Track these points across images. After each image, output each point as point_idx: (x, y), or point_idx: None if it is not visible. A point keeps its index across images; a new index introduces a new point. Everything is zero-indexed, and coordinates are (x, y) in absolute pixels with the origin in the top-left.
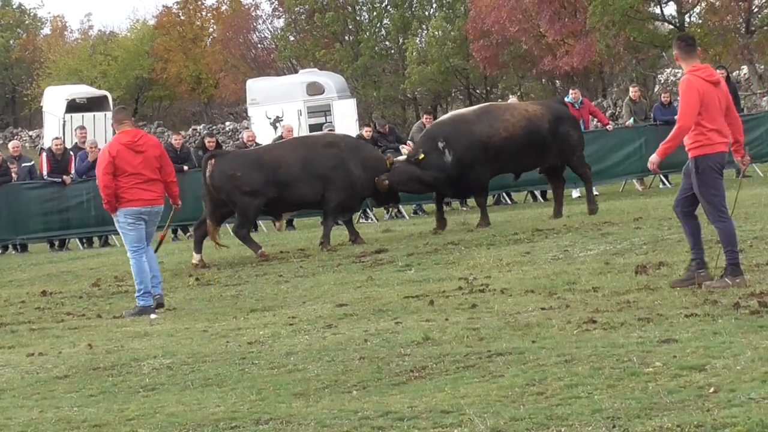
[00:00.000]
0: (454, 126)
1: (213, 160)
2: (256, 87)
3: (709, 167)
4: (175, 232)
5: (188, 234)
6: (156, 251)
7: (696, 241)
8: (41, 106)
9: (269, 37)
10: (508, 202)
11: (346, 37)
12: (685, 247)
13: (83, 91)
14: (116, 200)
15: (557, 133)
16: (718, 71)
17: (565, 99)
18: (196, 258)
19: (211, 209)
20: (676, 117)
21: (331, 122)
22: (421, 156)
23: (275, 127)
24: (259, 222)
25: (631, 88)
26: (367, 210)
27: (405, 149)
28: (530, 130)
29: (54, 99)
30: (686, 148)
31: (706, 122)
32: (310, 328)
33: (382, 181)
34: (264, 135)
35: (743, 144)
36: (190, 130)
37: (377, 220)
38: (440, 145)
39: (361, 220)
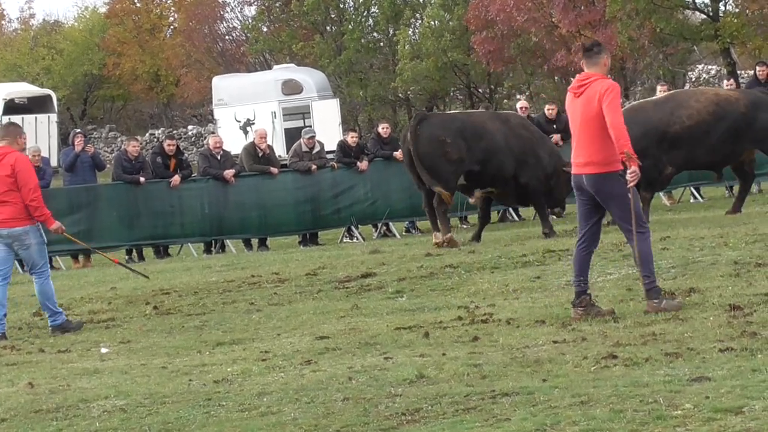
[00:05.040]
0: (630, 114)
1: (420, 126)
2: (224, 85)
3: None
4: (129, 252)
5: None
6: (143, 275)
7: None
8: None
9: (239, 27)
10: (515, 218)
11: (328, 28)
12: (720, 272)
13: (23, 89)
14: None
15: (756, 121)
16: (758, 67)
17: None
18: (437, 237)
19: (428, 176)
20: None
21: (310, 126)
22: None
23: (246, 132)
24: (227, 242)
25: (659, 87)
26: (352, 228)
27: None
28: (719, 116)
29: None
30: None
31: None
32: (286, 364)
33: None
34: (232, 140)
35: None
36: (147, 134)
37: (363, 239)
38: None
39: (345, 240)
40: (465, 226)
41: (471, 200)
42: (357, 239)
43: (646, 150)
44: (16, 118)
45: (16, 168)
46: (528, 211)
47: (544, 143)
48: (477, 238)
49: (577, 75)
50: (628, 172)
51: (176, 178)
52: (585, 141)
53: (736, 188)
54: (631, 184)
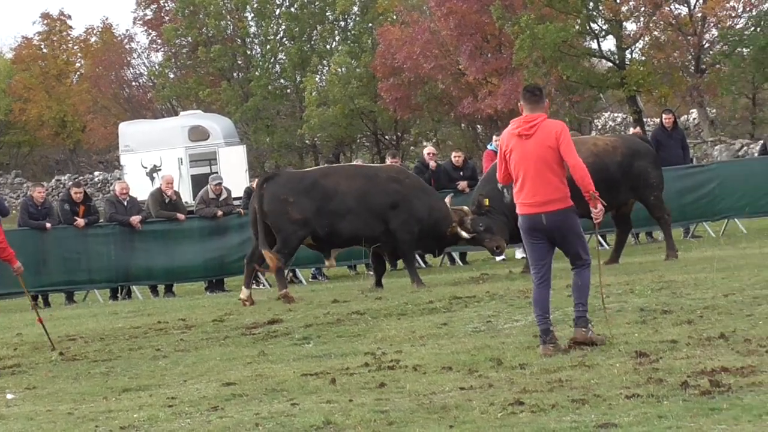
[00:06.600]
0: None
1: (266, 184)
2: (130, 131)
3: None
4: (35, 299)
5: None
6: (53, 346)
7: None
8: None
9: (145, 73)
10: (422, 265)
11: (235, 75)
12: (626, 319)
13: None
14: None
15: (632, 168)
16: (664, 115)
17: (488, 147)
18: (244, 293)
19: (263, 237)
20: None
21: (216, 172)
22: (486, 201)
23: (152, 178)
24: (134, 288)
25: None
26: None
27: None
28: (598, 167)
29: None
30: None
31: None
32: (193, 410)
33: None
34: (139, 186)
35: None
36: (54, 180)
37: (269, 285)
38: (499, 185)
39: (252, 286)
40: (371, 273)
41: (326, 263)
42: (263, 286)
43: None
44: None
45: None
46: (433, 258)
47: (422, 195)
48: (378, 284)
49: (520, 117)
50: (594, 211)
51: (80, 221)
52: (541, 180)
53: (642, 236)
54: (598, 221)
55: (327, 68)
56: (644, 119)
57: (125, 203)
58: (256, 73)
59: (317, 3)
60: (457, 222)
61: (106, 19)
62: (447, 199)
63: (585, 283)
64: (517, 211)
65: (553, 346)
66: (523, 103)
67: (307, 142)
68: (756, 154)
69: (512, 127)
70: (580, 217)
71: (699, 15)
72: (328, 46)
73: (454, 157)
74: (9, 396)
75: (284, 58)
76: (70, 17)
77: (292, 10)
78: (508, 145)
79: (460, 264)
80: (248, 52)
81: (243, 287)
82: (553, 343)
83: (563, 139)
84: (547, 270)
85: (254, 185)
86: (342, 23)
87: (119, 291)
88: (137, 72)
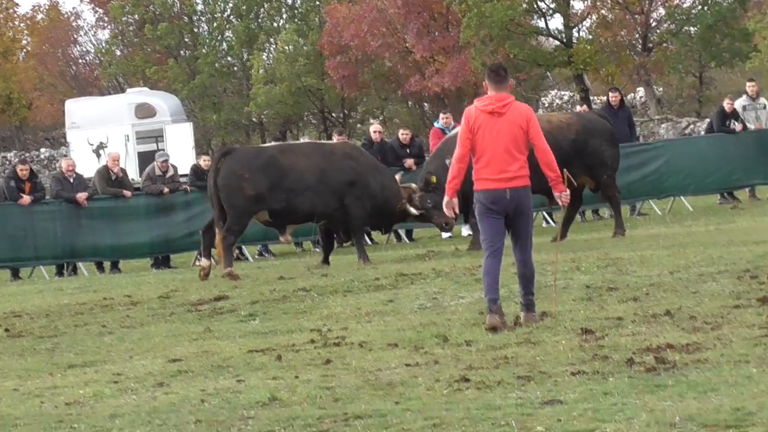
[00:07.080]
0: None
1: (223, 159)
2: (77, 108)
3: None
4: None
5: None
6: None
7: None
8: None
9: (92, 51)
10: (369, 242)
11: (182, 52)
12: (572, 296)
13: None
14: None
15: (586, 146)
16: (610, 93)
17: (435, 124)
18: (204, 263)
19: (219, 212)
20: None
21: (163, 149)
22: (434, 179)
23: (98, 155)
24: (80, 265)
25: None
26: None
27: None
28: (551, 144)
29: None
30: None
31: None
32: (138, 386)
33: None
34: (85, 163)
35: None
36: None
37: (216, 262)
38: (447, 162)
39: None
40: (317, 250)
41: (281, 238)
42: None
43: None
44: None
45: None
46: (380, 236)
47: (376, 172)
48: (325, 261)
49: (490, 95)
50: (563, 193)
51: (26, 198)
52: (510, 158)
53: (588, 213)
54: (565, 204)
55: (274, 46)
56: (591, 97)
57: (71, 180)
58: (203, 50)
59: None
60: (406, 199)
61: None
62: (397, 177)
63: (532, 272)
64: (477, 186)
65: (500, 316)
66: (488, 82)
67: (253, 119)
68: (702, 133)
69: (482, 104)
70: (532, 192)
71: None
72: (275, 24)
73: (401, 134)
74: None
75: (231, 35)
76: None
77: None
78: (476, 121)
79: (407, 241)
80: (195, 30)
81: (202, 258)
82: (499, 313)
83: (533, 123)
84: (501, 244)
85: (200, 162)
86: (289, 1)
87: (65, 267)
88: (84, 49)
